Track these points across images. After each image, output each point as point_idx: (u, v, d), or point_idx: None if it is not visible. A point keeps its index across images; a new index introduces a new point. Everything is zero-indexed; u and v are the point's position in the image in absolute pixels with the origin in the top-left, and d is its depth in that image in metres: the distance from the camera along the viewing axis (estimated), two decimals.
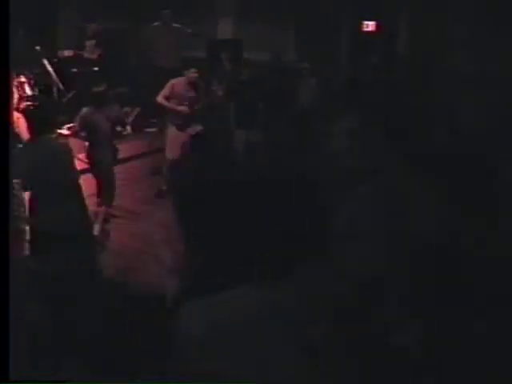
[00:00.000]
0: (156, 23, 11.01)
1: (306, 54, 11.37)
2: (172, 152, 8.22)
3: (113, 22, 11.54)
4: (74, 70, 10.21)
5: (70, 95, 9.41)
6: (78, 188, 5.58)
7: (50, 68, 9.43)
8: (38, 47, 9.50)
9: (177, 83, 8.27)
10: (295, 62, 10.86)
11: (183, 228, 1.66)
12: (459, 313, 2.51)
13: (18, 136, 6.27)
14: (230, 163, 1.74)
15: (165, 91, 8.24)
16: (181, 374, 1.54)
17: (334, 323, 1.64)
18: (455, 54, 10.01)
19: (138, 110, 10.50)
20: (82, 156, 7.05)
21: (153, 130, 10.55)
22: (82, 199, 5.63)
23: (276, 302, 1.56)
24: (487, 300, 2.59)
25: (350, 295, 2.05)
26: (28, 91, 8.90)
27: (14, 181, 6.14)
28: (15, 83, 8.80)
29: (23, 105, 8.47)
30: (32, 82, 9.09)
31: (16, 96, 8.65)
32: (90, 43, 10.92)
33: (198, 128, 8.27)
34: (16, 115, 6.44)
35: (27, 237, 6.29)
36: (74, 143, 6.29)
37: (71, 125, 7.59)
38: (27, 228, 6.21)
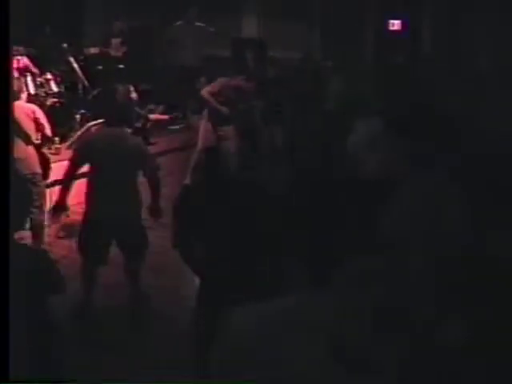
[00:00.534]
0: (179, 22, 11.04)
1: (331, 52, 11.32)
2: (204, 146, 8.28)
3: (138, 20, 11.59)
4: (100, 67, 10.27)
5: (95, 92, 9.47)
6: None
7: (75, 65, 9.50)
8: (64, 45, 9.58)
9: (227, 84, 8.32)
10: (321, 61, 10.81)
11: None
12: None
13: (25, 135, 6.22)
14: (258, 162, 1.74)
15: (213, 87, 8.30)
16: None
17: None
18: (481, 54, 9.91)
19: (161, 107, 10.54)
20: None
21: (176, 127, 10.59)
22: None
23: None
24: None
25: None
26: (54, 88, 8.98)
27: (35, 172, 6.20)
28: (42, 80, 8.88)
29: (50, 101, 8.59)
30: (58, 79, 9.16)
31: (42, 93, 8.74)
32: (115, 41, 10.98)
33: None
34: (35, 111, 6.44)
35: (46, 227, 6.37)
36: None
37: None
38: (46, 219, 6.28)
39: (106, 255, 5.41)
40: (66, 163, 5.74)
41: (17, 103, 6.11)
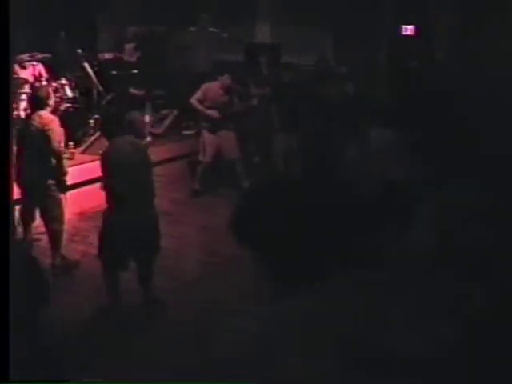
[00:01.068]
0: (192, 28, 11.07)
1: (344, 57, 11.30)
2: (204, 154, 8.41)
3: (152, 26, 11.64)
4: (114, 72, 10.33)
5: (109, 97, 9.52)
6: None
7: (90, 70, 9.55)
8: (79, 50, 9.64)
9: (210, 87, 8.41)
10: (334, 66, 10.80)
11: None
12: None
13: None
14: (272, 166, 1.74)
15: (198, 94, 8.40)
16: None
17: None
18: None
19: (175, 112, 10.57)
20: None
21: (190, 132, 10.62)
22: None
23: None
24: None
25: None
26: (69, 93, 9.03)
27: (50, 182, 6.17)
28: (57, 85, 8.93)
29: (64, 106, 8.62)
30: (73, 84, 9.21)
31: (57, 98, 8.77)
32: (129, 46, 11.04)
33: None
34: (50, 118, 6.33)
35: (63, 237, 6.35)
36: None
37: None
38: (63, 228, 6.27)
39: (127, 260, 5.46)
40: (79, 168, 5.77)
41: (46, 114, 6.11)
